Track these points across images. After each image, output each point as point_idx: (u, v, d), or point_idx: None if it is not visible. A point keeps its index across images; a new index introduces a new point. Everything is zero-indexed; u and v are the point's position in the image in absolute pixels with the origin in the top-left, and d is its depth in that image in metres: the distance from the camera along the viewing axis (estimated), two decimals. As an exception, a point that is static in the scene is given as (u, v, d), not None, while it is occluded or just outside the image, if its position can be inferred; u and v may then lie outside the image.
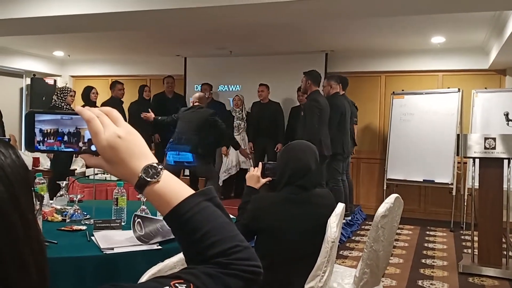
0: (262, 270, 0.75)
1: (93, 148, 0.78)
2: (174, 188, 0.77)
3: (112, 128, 0.76)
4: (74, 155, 5.99)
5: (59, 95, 5.86)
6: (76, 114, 0.78)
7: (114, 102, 6.47)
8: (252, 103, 7.22)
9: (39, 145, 0.80)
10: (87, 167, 5.53)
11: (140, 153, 0.77)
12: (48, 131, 0.80)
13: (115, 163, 0.77)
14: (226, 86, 7.98)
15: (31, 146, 0.80)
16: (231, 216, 0.83)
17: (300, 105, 6.75)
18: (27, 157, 5.75)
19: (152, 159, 0.78)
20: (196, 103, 5.79)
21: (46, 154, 5.94)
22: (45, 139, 0.80)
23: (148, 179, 0.76)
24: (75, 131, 0.80)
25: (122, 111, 6.46)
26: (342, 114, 5.88)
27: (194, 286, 0.68)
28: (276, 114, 6.99)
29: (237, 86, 7.88)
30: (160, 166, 0.77)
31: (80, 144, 0.80)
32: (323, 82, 6.14)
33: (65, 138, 0.80)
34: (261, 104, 7.06)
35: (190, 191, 0.77)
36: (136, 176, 0.76)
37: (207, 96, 7.17)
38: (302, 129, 5.51)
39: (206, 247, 0.73)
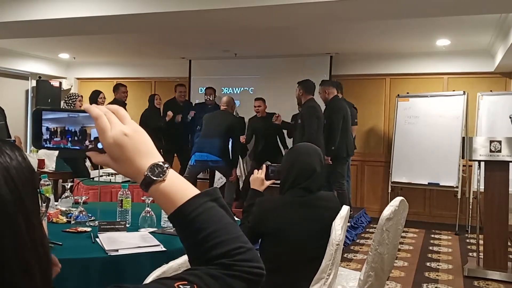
0: (265, 272, 0.75)
1: (99, 145, 0.78)
2: (180, 188, 0.77)
3: (119, 126, 0.76)
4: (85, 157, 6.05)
5: (67, 101, 5.90)
6: (83, 112, 0.79)
7: (117, 104, 6.50)
8: (248, 119, 6.98)
9: (46, 142, 0.81)
10: (93, 168, 5.53)
11: (146, 151, 0.77)
12: (55, 129, 0.81)
13: (121, 161, 0.77)
14: (230, 88, 7.99)
15: (38, 143, 0.81)
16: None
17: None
18: (32, 159, 5.77)
19: (158, 158, 0.78)
20: (224, 107, 6.05)
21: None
22: (52, 137, 0.81)
23: (154, 178, 0.76)
24: (81, 129, 0.81)
25: None
26: (344, 116, 5.89)
27: (197, 287, 0.68)
28: (278, 128, 6.78)
29: (240, 88, 7.89)
30: (166, 165, 0.77)
31: (87, 142, 0.81)
32: (318, 90, 6.10)
33: (72, 136, 0.81)
34: (261, 119, 6.73)
35: (195, 191, 0.77)
36: (142, 175, 0.76)
37: (210, 99, 7.19)
38: (301, 136, 5.46)
39: (210, 247, 0.73)
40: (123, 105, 6.79)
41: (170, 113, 6.90)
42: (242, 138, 6.53)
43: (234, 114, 6.72)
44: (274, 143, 6.74)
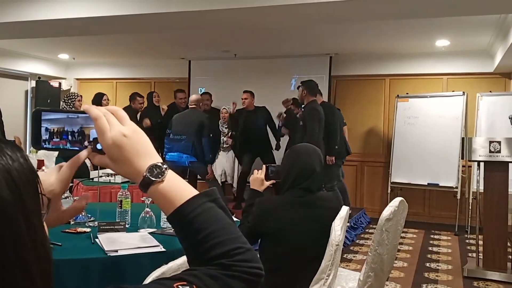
0: (264, 272, 0.75)
1: (98, 146, 0.78)
2: (179, 188, 0.77)
3: (118, 126, 0.76)
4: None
5: (66, 101, 5.87)
6: (82, 113, 0.79)
7: (130, 113, 6.44)
8: (236, 111, 6.94)
9: (45, 143, 0.81)
10: (93, 168, 5.53)
11: (145, 152, 0.77)
12: (54, 129, 0.81)
13: (120, 161, 0.77)
14: (230, 89, 7.97)
15: (37, 144, 0.81)
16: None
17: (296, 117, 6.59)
18: (32, 159, 5.75)
19: (157, 159, 0.78)
20: (193, 106, 5.83)
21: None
22: (51, 138, 0.81)
23: (153, 179, 0.76)
24: (81, 130, 0.81)
25: (136, 122, 6.51)
26: (339, 120, 5.97)
27: (197, 287, 0.68)
28: (268, 120, 6.78)
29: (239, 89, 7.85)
30: (165, 166, 0.77)
31: (86, 143, 0.81)
32: None
33: (71, 136, 0.81)
34: (249, 112, 6.68)
35: (194, 192, 0.77)
36: (141, 175, 0.76)
37: (206, 104, 7.07)
38: (302, 137, 5.41)
39: (209, 248, 0.73)
40: (135, 113, 6.78)
41: (147, 121, 6.73)
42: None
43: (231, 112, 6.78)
44: (262, 136, 6.66)
